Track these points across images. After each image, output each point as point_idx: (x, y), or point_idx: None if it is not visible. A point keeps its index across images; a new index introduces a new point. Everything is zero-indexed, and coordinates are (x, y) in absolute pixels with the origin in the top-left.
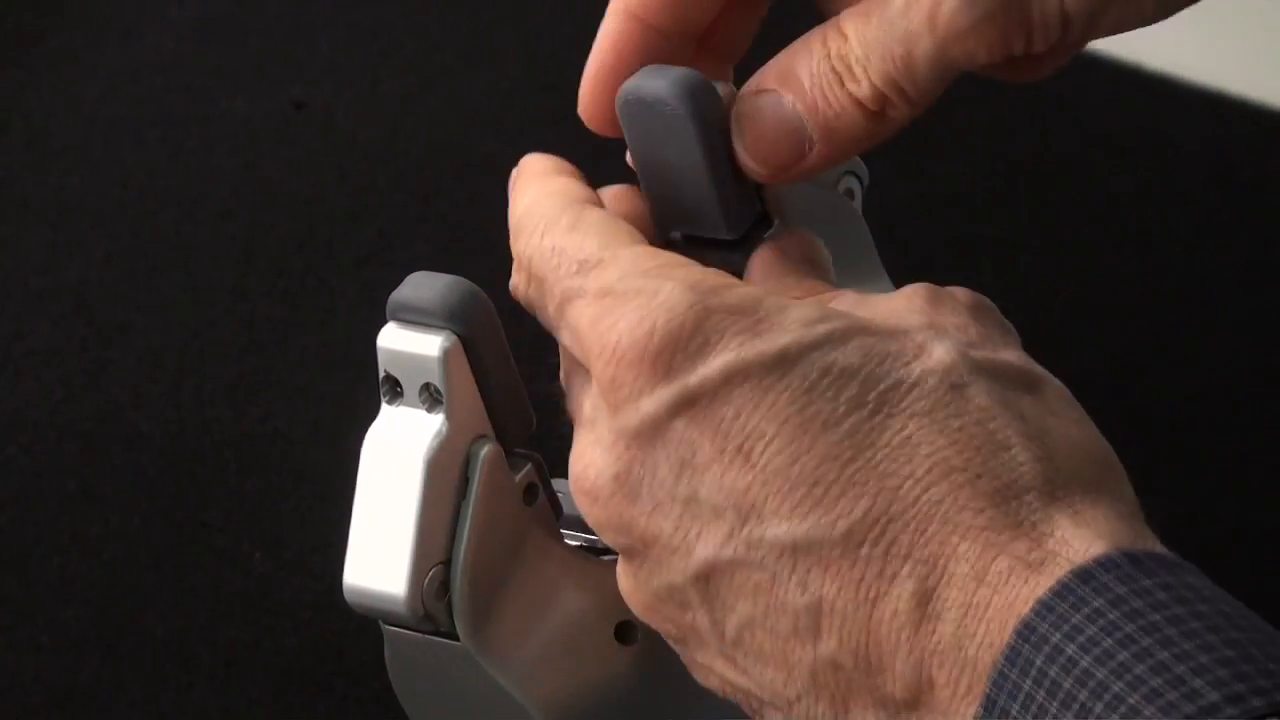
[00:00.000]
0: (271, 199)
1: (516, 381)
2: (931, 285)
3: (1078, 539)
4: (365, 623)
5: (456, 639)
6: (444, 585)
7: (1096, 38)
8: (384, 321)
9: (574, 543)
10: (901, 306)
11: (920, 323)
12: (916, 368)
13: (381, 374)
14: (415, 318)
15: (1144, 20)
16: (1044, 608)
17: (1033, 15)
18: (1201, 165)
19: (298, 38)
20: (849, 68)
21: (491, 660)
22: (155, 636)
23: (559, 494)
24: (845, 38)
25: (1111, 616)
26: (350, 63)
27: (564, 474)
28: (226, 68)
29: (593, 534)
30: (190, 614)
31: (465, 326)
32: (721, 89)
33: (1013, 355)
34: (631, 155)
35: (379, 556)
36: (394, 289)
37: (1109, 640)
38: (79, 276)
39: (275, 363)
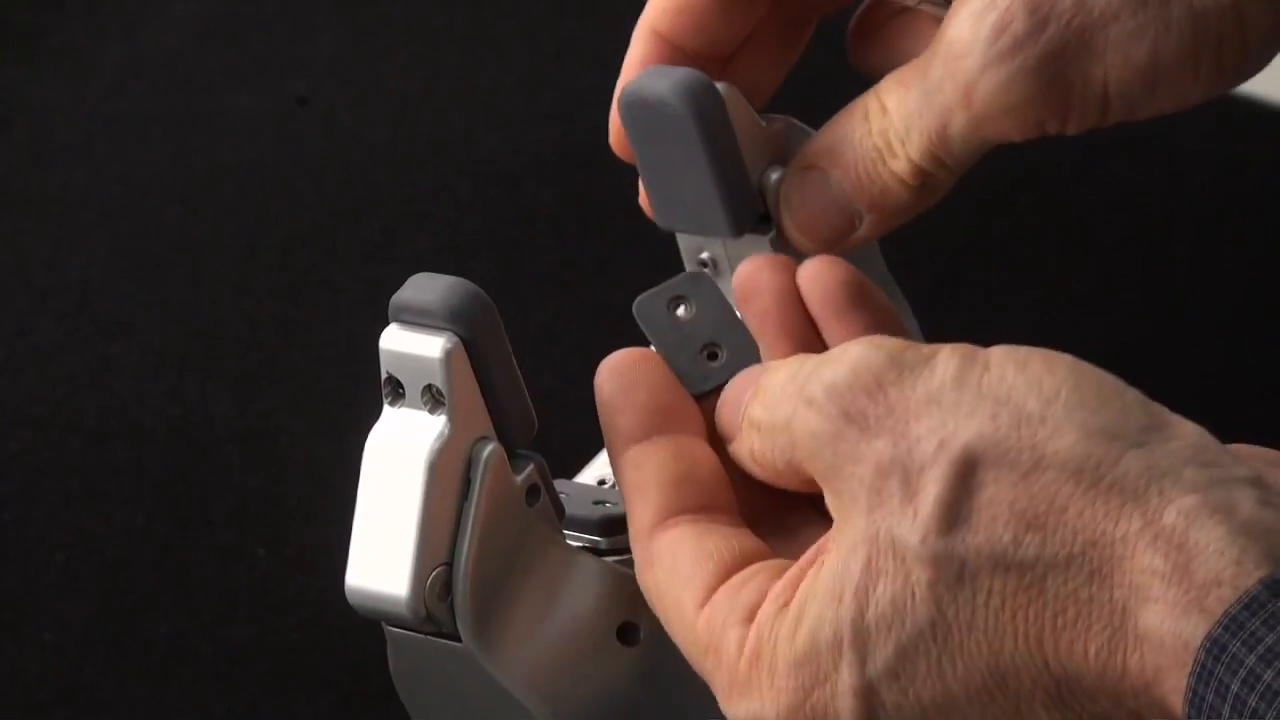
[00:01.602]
0: (275, 195)
1: (518, 382)
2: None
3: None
4: (368, 620)
5: (459, 640)
6: (446, 586)
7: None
8: (387, 318)
9: (576, 544)
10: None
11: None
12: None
13: (384, 375)
14: (417, 319)
15: (1184, 105)
16: (1231, 621)
17: (1072, 101)
18: (1207, 162)
19: (301, 34)
20: (889, 144)
21: (494, 661)
22: (159, 633)
23: (561, 495)
24: (885, 111)
25: None
26: (353, 59)
27: (565, 475)
28: (229, 64)
29: (595, 535)
30: (194, 611)
31: (467, 328)
32: (723, 89)
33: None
34: (635, 155)
35: (381, 558)
36: (397, 285)
37: None
38: (82, 273)
39: (279, 359)
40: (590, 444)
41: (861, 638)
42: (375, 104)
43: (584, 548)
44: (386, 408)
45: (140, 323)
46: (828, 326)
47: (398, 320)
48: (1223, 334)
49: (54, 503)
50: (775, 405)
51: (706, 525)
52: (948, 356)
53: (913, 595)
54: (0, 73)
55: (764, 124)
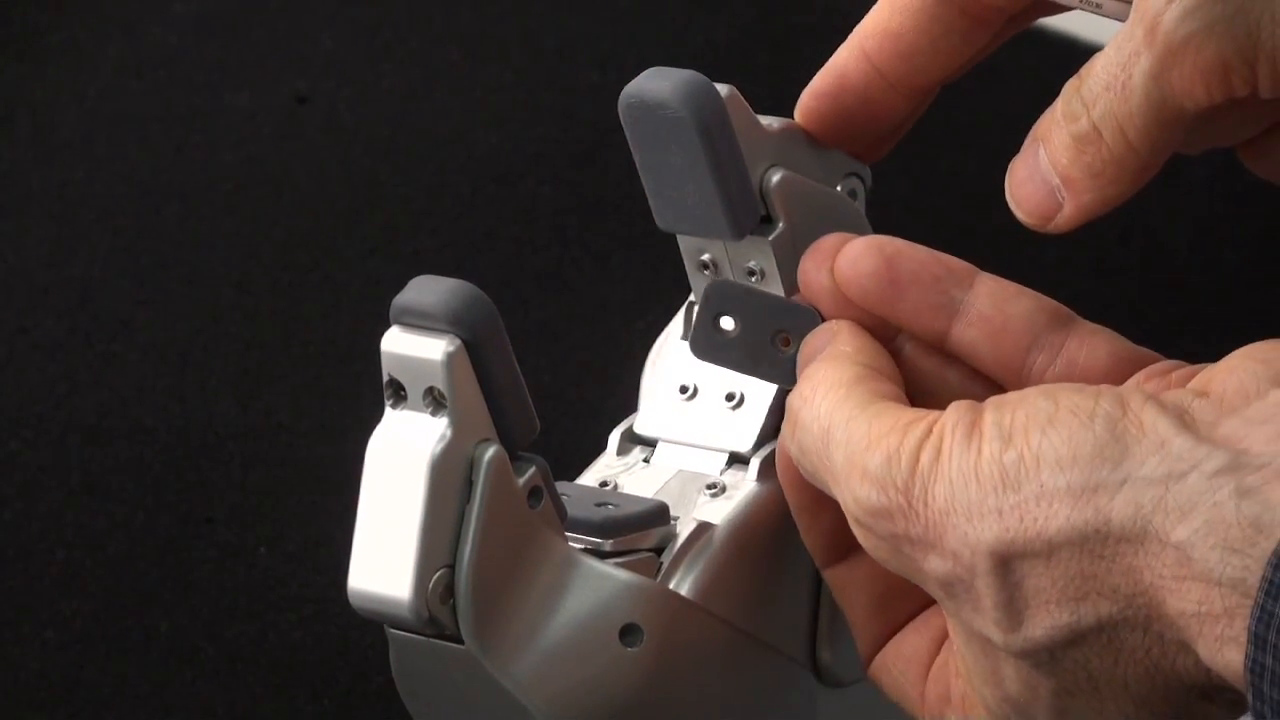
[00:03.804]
0: (275, 193)
1: (520, 385)
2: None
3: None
4: (370, 619)
5: (461, 643)
6: (449, 589)
7: None
8: (387, 316)
9: (578, 546)
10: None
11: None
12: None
13: (385, 378)
14: (419, 321)
15: None
16: (1255, 641)
17: (1260, 40)
18: (1206, 159)
19: (301, 32)
20: (1078, 107)
21: (496, 664)
22: (159, 631)
23: (563, 497)
24: (1081, 74)
25: None
26: (353, 57)
27: (568, 477)
28: (229, 62)
29: (597, 537)
30: (194, 609)
31: (469, 330)
32: (723, 90)
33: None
34: (635, 156)
35: (384, 560)
36: (397, 282)
37: None
38: (83, 271)
39: (279, 357)
40: (591, 444)
41: (1018, 708)
42: (375, 102)
43: (586, 550)
44: (388, 410)
45: (141, 320)
46: (881, 314)
47: (399, 323)
48: (1222, 332)
49: (55, 501)
50: (811, 468)
51: (913, 648)
52: (949, 445)
53: (1029, 675)
54: (0, 70)
55: (764, 125)
